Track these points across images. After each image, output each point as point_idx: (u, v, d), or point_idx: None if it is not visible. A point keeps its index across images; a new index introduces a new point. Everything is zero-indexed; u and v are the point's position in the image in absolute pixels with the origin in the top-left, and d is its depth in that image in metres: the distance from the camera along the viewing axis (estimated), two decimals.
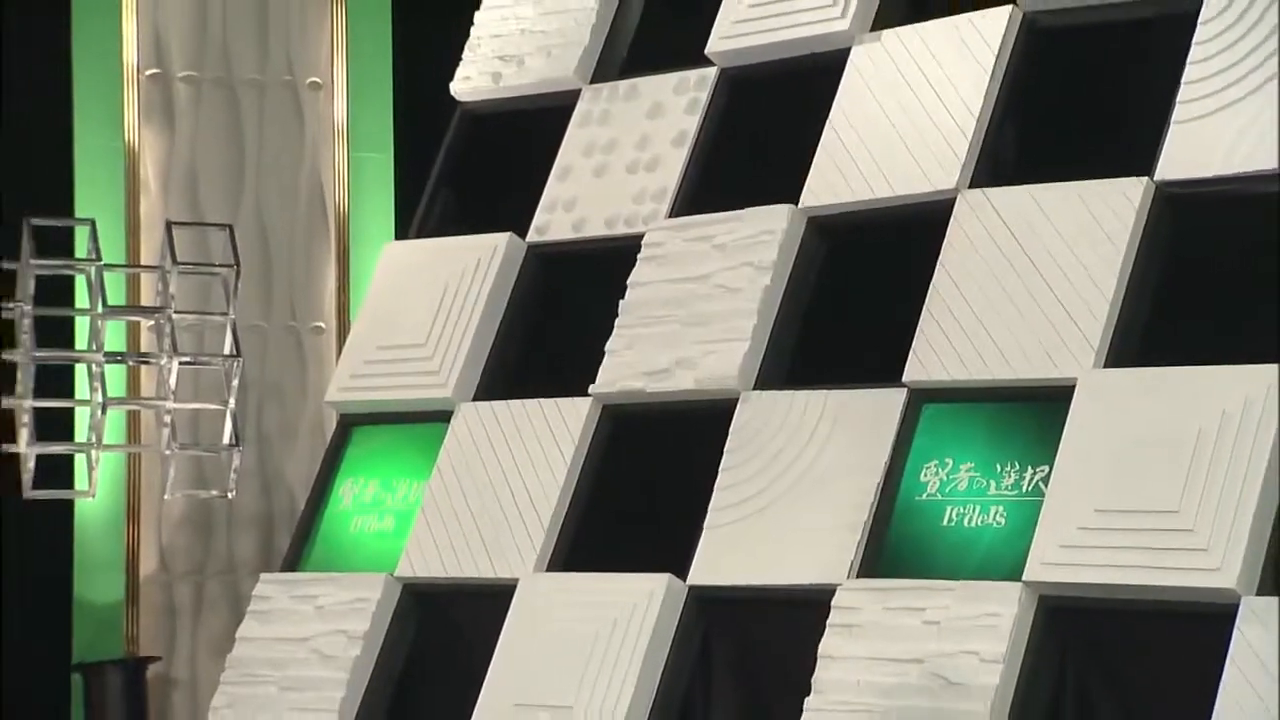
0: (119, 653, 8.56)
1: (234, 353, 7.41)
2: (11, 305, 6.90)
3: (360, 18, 8.94)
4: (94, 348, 7.22)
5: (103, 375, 7.20)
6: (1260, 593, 4.31)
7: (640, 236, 5.68)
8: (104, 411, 7.25)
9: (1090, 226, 4.86)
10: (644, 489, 5.52)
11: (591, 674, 5.18)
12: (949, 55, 5.28)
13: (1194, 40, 4.84)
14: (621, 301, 5.61)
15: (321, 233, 8.97)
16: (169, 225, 7.59)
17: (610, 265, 5.70)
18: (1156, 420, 4.57)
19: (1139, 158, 4.86)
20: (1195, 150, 4.76)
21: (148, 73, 8.68)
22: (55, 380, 7.34)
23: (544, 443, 5.62)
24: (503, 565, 5.53)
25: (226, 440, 7.42)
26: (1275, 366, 4.42)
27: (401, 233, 8.38)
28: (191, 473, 7.56)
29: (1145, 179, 4.82)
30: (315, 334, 8.97)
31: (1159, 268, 4.82)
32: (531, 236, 5.97)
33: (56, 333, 7.30)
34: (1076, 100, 5.19)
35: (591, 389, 5.58)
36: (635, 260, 5.65)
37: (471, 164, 6.38)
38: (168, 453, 7.54)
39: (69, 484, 7.44)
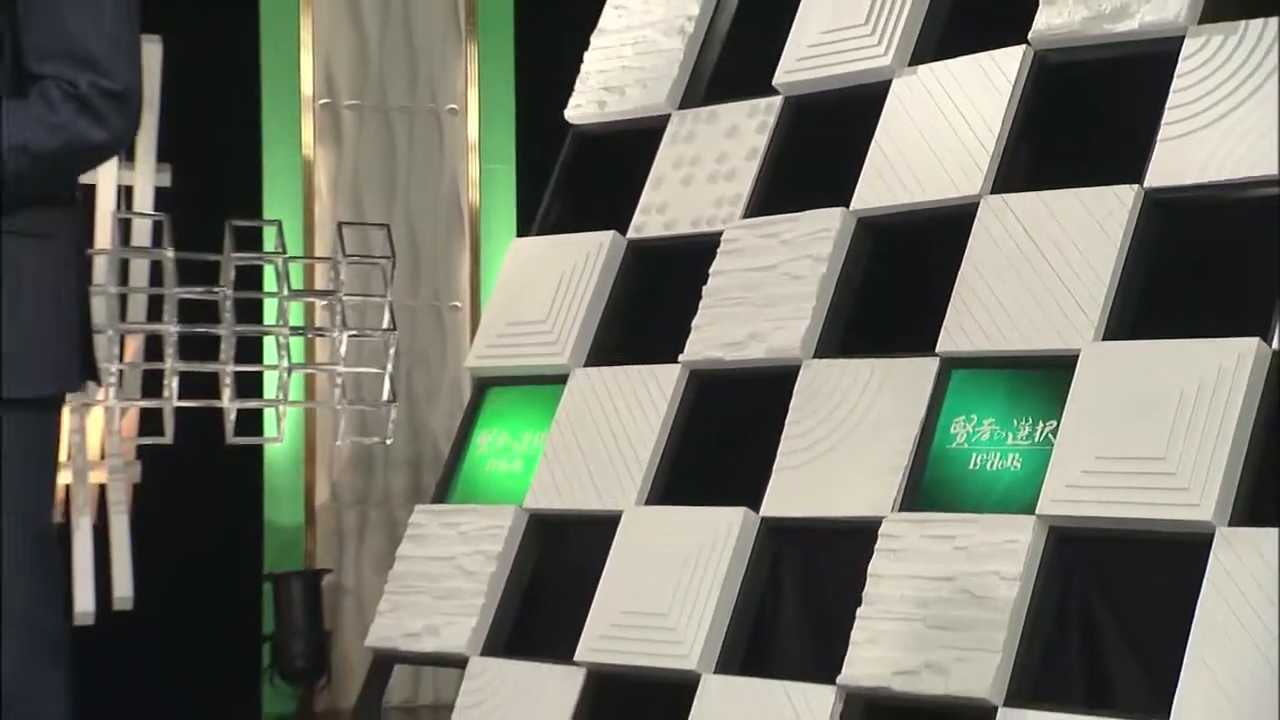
0: (299, 566, 8.56)
1: (391, 327, 7.41)
2: (216, 290, 6.89)
3: (488, 55, 8.92)
4: (281, 324, 7.27)
5: (288, 346, 7.27)
6: (1231, 524, 4.30)
7: (719, 234, 5.61)
8: (289, 374, 7.31)
9: (1090, 225, 4.79)
10: (723, 439, 5.46)
11: (682, 589, 5.13)
12: (973, 85, 5.22)
13: (1175, 74, 4.77)
14: (704, 287, 5.55)
15: (458, 230, 8.95)
16: (339, 225, 7.61)
17: (695, 257, 5.64)
18: (1146, 384, 4.53)
19: (1130, 169, 4.79)
20: (1177, 163, 4.71)
21: (320, 102, 8.68)
22: (250, 350, 7.29)
23: (641, 401, 5.56)
24: (609, 499, 5.48)
25: (385, 397, 7.42)
26: (1244, 340, 4.41)
27: (522, 230, 8.39)
28: (356, 423, 7.52)
29: (1136, 186, 4.75)
30: (453, 311, 8.94)
31: (1147, 259, 4.75)
32: (631, 234, 5.89)
33: (251, 312, 7.26)
34: (1078, 122, 5.14)
35: (680, 358, 5.51)
36: (715, 253, 5.58)
37: (581, 175, 6.32)
38: (339, 408, 7.59)
39: (261, 432, 7.40)
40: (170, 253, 6.82)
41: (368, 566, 8.76)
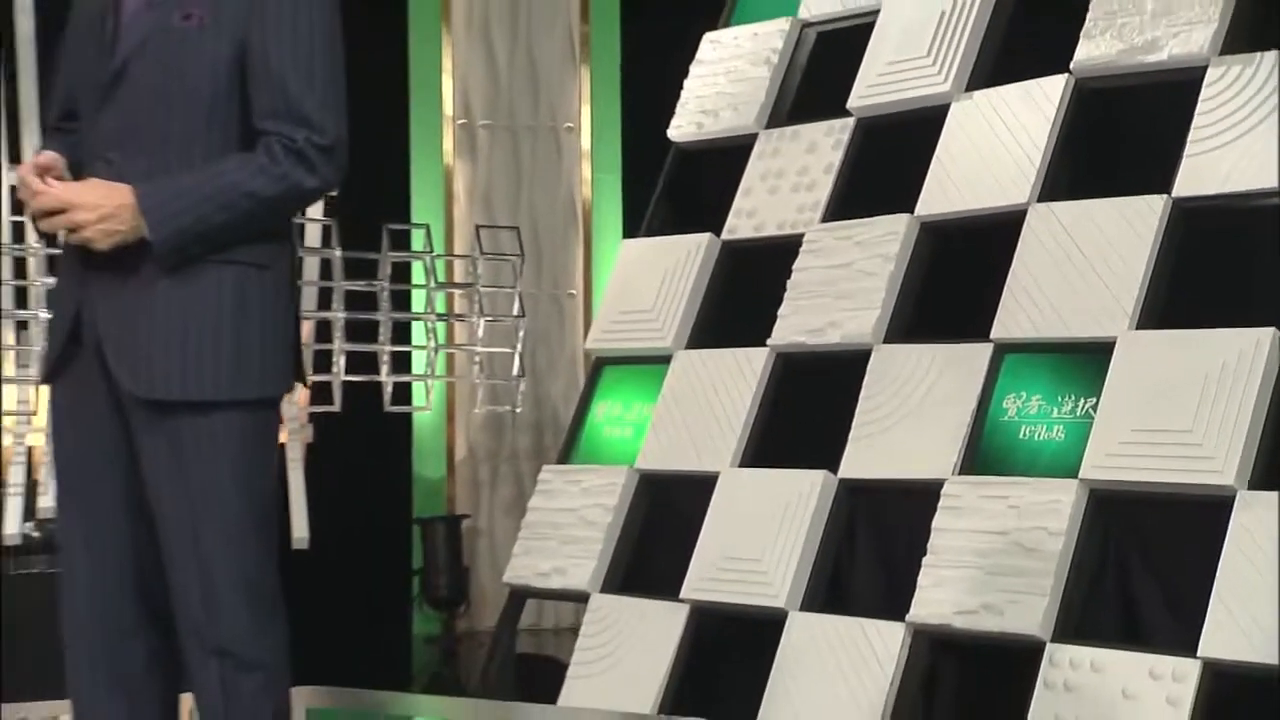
0: (442, 511, 8.56)
1: (520, 314, 7.38)
2: (375, 283, 6.91)
3: (598, 80, 8.93)
4: (429, 311, 7.26)
5: (435, 329, 7.25)
6: (1250, 488, 4.24)
7: (801, 236, 5.53)
8: (436, 353, 7.29)
9: (1124, 228, 4.71)
10: (806, 411, 5.39)
11: (772, 538, 5.08)
12: (1021, 108, 5.13)
13: (1199, 99, 4.68)
14: (788, 281, 5.47)
15: (573, 229, 8.96)
16: (477, 228, 7.61)
17: (779, 256, 5.56)
18: (1175, 367, 4.47)
19: (1159, 180, 4.70)
20: (1200, 175, 4.63)
21: (459, 122, 8.70)
22: (402, 333, 7.31)
23: (735, 378, 5.50)
24: (708, 462, 5.42)
25: (515, 373, 7.39)
26: (1261, 329, 4.35)
27: (628, 229, 8.46)
28: (490, 394, 7.50)
29: (1165, 196, 4.66)
30: (569, 298, 8.95)
31: (1175, 258, 4.67)
32: (725, 236, 5.82)
33: (401, 301, 7.27)
34: (1113, 140, 5.05)
35: (768, 342, 5.44)
36: (798, 252, 5.50)
37: (682, 185, 6.25)
38: (476, 381, 7.56)
39: (411, 402, 7.39)
40: (337, 252, 6.82)
41: (499, 512, 8.76)
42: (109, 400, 2.81)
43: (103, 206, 2.69)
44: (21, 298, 6.69)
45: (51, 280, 6.45)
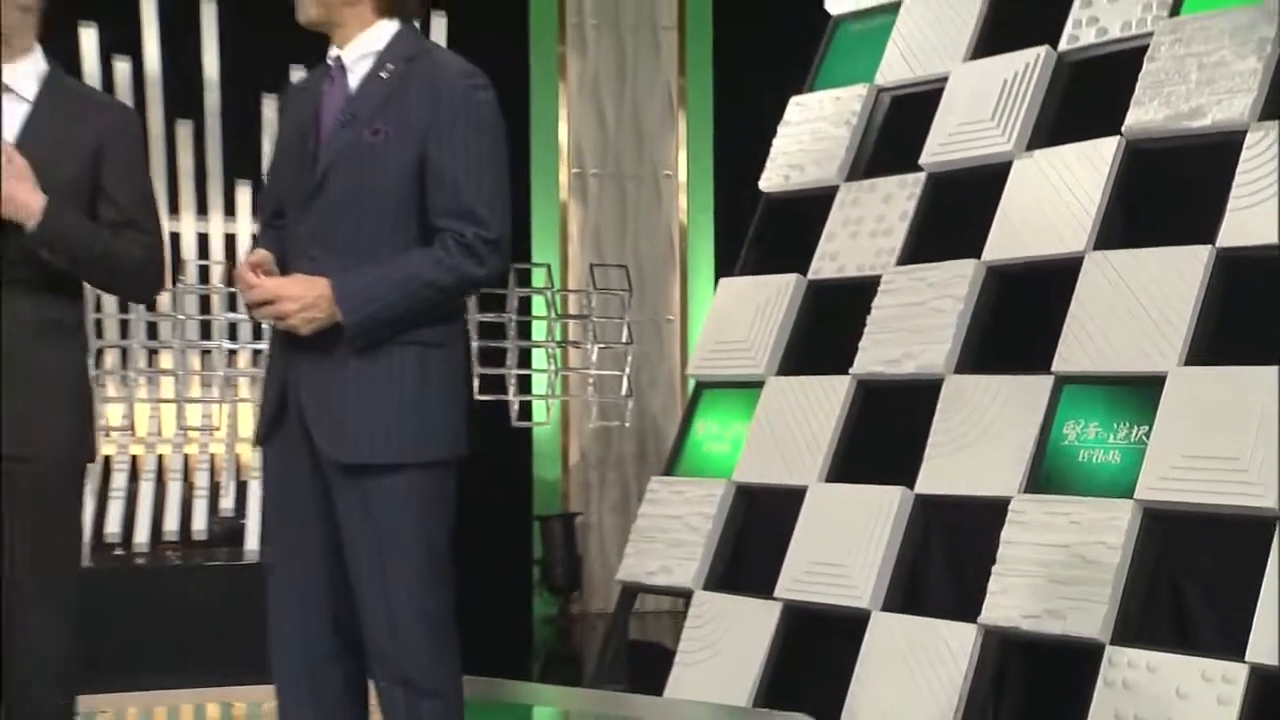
0: (559, 509, 8.52)
1: (629, 341, 7.30)
2: (502, 315, 6.87)
3: (694, 133, 8.88)
4: (549, 339, 7.21)
5: (555, 355, 7.21)
6: None
7: (879, 277, 5.44)
8: (556, 376, 7.25)
9: (1173, 275, 4.59)
10: (884, 433, 5.28)
11: (856, 546, 5.00)
12: (1078, 166, 5.01)
13: (1240, 160, 4.54)
14: (868, 317, 5.37)
15: (670, 262, 8.93)
16: (591, 266, 7.53)
17: (860, 294, 5.47)
18: (1221, 400, 4.34)
19: (1204, 232, 4.56)
20: (1242, 228, 4.49)
21: (573, 170, 8.69)
22: (525, 358, 7.26)
23: (820, 403, 5.42)
24: (797, 476, 5.34)
25: (624, 392, 7.31)
26: None
27: (720, 264, 8.47)
28: (601, 410, 7.44)
29: (1210, 246, 4.53)
30: (668, 323, 8.89)
31: (1219, 302, 4.53)
32: (810, 276, 5.73)
33: (526, 330, 7.25)
34: (1161, 195, 4.88)
35: (850, 370, 5.35)
36: (876, 291, 5.40)
37: (771, 231, 6.15)
38: (590, 399, 7.51)
39: (532, 417, 7.35)
40: None
41: (607, 510, 8.71)
42: (310, 461, 2.85)
43: (304, 298, 2.75)
44: (206, 330, 6.76)
45: (234, 315, 6.62)
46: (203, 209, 6.92)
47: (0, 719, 2.95)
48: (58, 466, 2.96)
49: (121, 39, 6.75)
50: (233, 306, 6.66)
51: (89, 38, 6.59)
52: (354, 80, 2.86)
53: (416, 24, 3.06)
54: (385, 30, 2.87)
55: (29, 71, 2.97)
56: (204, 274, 6.74)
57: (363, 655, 2.91)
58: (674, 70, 8.88)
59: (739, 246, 6.28)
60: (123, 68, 6.69)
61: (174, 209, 6.76)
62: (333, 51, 2.90)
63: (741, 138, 7.24)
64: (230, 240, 7.00)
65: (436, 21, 6.78)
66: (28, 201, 2.83)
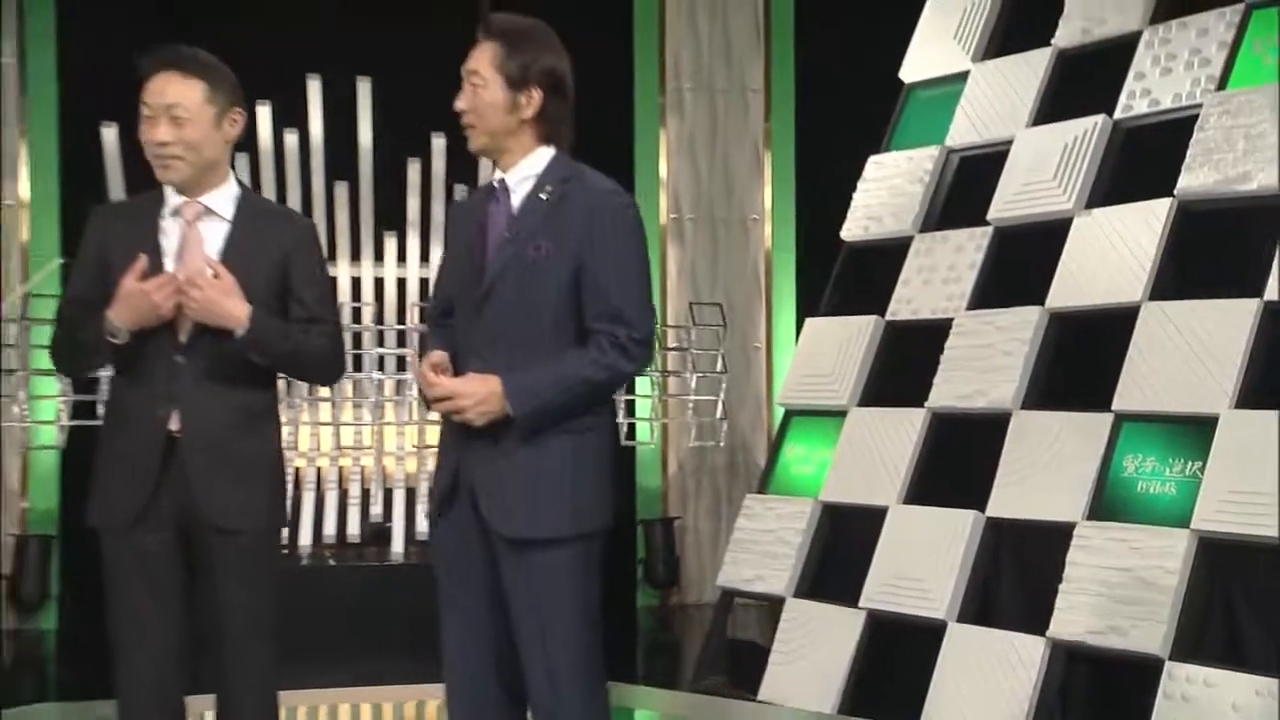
0: (659, 514, 8.41)
1: (723, 370, 7.21)
2: None
3: (778, 179, 8.70)
4: (653, 368, 7.14)
5: (658, 383, 7.14)
6: None
7: (951, 320, 5.31)
8: (661, 400, 7.18)
9: (1224, 325, 4.43)
10: (958, 461, 5.14)
11: (933, 562, 4.88)
12: (1134, 224, 4.86)
13: None
14: (942, 356, 5.24)
15: (757, 296, 8.77)
16: (690, 304, 7.44)
17: (933, 335, 5.34)
18: (1269, 441, 4.17)
19: (1253, 286, 4.41)
20: None
21: (671, 216, 8.54)
22: (630, 384, 7.18)
23: (898, 432, 5.29)
24: (879, 498, 5.21)
25: (719, 415, 7.24)
26: None
27: (801, 295, 8.34)
28: (697, 431, 7.36)
29: (1258, 299, 4.38)
30: (755, 350, 8.70)
31: (1266, 352, 4.37)
32: (888, 317, 5.62)
33: None
34: (1212, 252, 4.71)
35: (925, 404, 5.22)
36: (948, 333, 5.28)
37: (851, 276, 6.02)
38: (688, 421, 7.44)
39: (636, 437, 7.28)
40: None
41: (701, 514, 8.57)
42: (479, 534, 2.86)
43: (478, 394, 2.76)
44: (357, 362, 6.78)
45: (382, 350, 6.64)
46: (355, 256, 6.95)
47: None
48: (260, 537, 2.99)
49: (290, 114, 6.81)
50: (381, 342, 6.67)
51: (264, 114, 6.65)
52: (516, 200, 2.87)
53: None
54: (543, 156, 2.88)
55: (227, 195, 2.99)
56: (356, 314, 6.76)
57: (524, 704, 2.91)
58: (760, 127, 8.75)
59: (817, 279, 6.20)
60: (291, 139, 6.75)
61: (331, 256, 6.79)
62: (497, 174, 2.91)
63: (818, 186, 7.16)
64: (379, 284, 7.02)
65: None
66: (236, 312, 2.86)
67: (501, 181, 2.89)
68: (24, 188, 7.13)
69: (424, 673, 4.67)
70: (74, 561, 6.84)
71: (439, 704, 5.07)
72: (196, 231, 2.92)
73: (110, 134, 6.47)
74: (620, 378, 2.84)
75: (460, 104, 2.85)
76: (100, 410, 5.68)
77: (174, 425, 2.85)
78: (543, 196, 2.84)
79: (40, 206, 7.10)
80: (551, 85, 2.86)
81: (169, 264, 2.88)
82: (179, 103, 2.85)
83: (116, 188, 6.50)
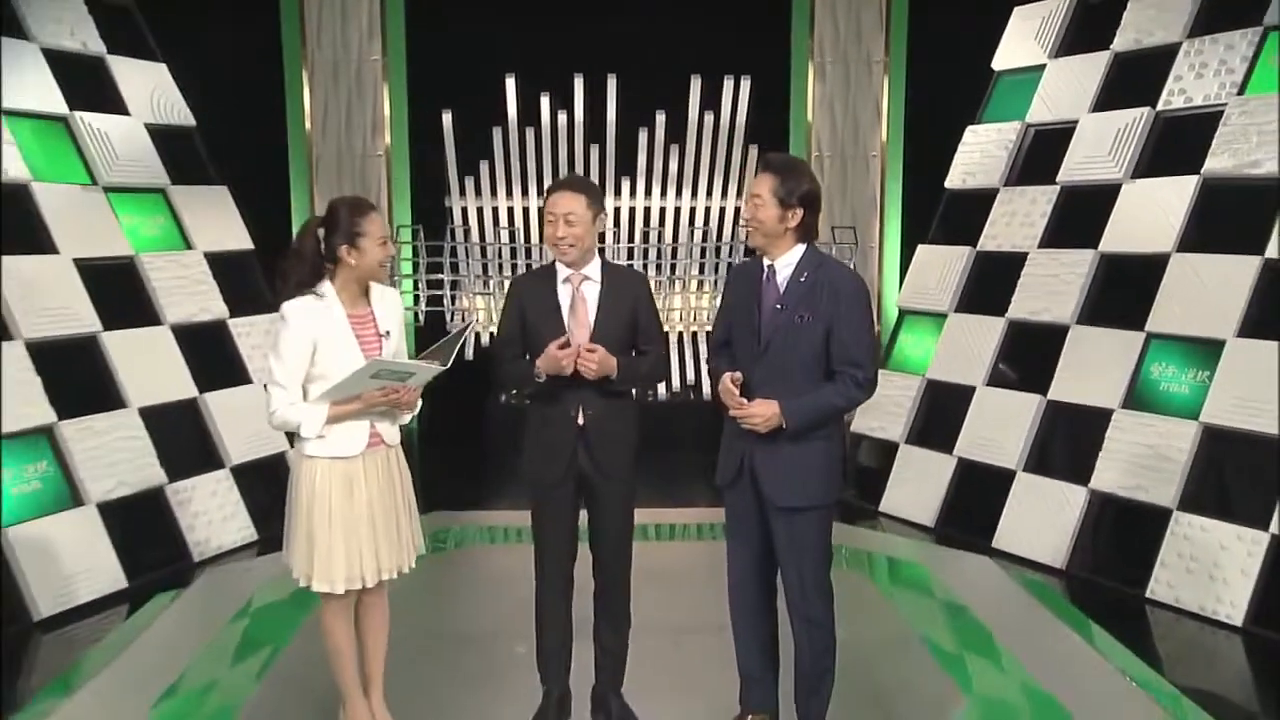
0: None
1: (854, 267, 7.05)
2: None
3: (891, 128, 8.06)
4: None
5: None
6: None
7: (1026, 254, 5.22)
8: None
9: (1234, 274, 4.33)
10: (1028, 358, 5.08)
11: (1008, 428, 4.84)
12: (1168, 193, 4.71)
13: None
14: (1018, 280, 5.13)
15: (874, 213, 8.14)
16: (833, 228, 7.27)
17: (1013, 264, 5.27)
18: (1262, 363, 4.11)
19: (1258, 243, 4.29)
20: None
21: (814, 154, 8.19)
22: None
23: (984, 334, 5.25)
24: (970, 379, 5.18)
25: None
26: None
27: (906, 218, 7.81)
28: None
29: (1260, 257, 4.27)
30: (870, 250, 8.15)
31: (1264, 296, 4.25)
32: (979, 248, 5.53)
33: None
34: (1227, 217, 4.53)
35: (1005, 315, 5.15)
36: (1024, 264, 5.21)
37: (951, 215, 5.86)
38: None
39: None
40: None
41: None
42: (756, 503, 2.89)
43: (766, 414, 2.79)
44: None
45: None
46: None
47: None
48: (625, 484, 3.01)
49: (556, 94, 6.83)
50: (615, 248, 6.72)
51: (545, 102, 6.67)
52: (781, 280, 2.86)
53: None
54: (799, 250, 2.86)
55: (595, 265, 3.01)
56: (600, 236, 6.83)
57: (774, 604, 2.98)
58: (882, 90, 8.49)
59: (916, 202, 6.11)
60: (562, 117, 6.81)
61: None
62: (766, 261, 2.88)
63: (920, 134, 6.77)
64: (616, 212, 7.13)
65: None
66: (610, 366, 2.92)
67: (770, 267, 2.88)
68: (385, 142, 7.44)
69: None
70: None
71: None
72: (582, 293, 2.97)
73: (447, 118, 6.69)
74: (856, 403, 2.81)
75: (745, 214, 2.88)
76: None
77: (580, 421, 2.96)
78: (801, 279, 2.83)
79: (397, 157, 7.41)
80: (808, 204, 2.83)
81: (564, 314, 2.95)
82: (571, 211, 2.90)
83: (451, 155, 6.74)
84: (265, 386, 2.84)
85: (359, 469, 2.79)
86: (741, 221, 2.92)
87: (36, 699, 3.37)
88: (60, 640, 3.91)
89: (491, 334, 6.78)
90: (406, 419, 2.91)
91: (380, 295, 2.86)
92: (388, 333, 2.84)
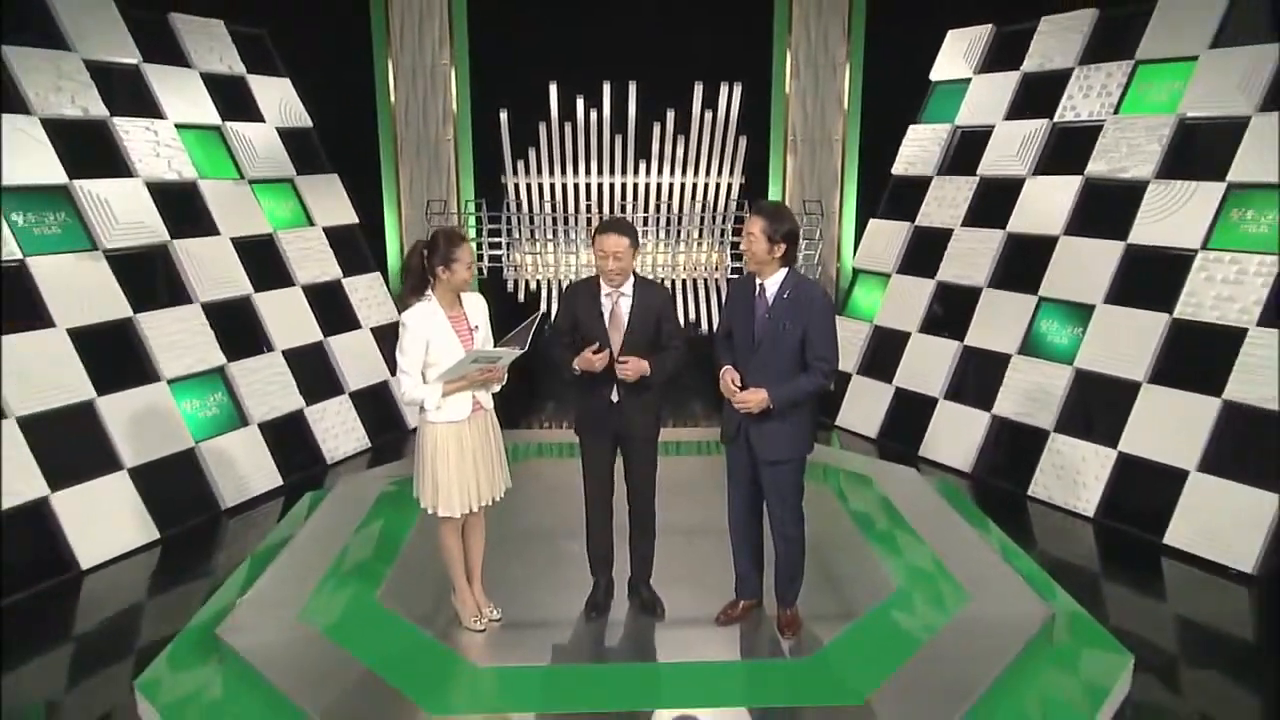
0: None
1: (820, 238, 6.63)
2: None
3: (850, 119, 7.56)
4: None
5: None
6: (1149, 381, 4.05)
7: (952, 230, 5.20)
8: None
9: (1103, 254, 4.43)
10: (951, 312, 5.15)
11: (931, 370, 4.91)
12: (1060, 188, 4.76)
13: (1144, 198, 4.32)
14: (945, 250, 5.18)
15: (835, 187, 7.54)
16: (804, 202, 7.21)
17: (942, 238, 5.21)
18: (1122, 321, 4.26)
19: (1122, 232, 4.38)
20: (1145, 232, 4.30)
21: (789, 138, 7.71)
22: None
23: (917, 292, 5.27)
24: (907, 326, 5.24)
25: (816, 273, 6.58)
26: (1157, 314, 4.08)
27: (861, 195, 7.17)
28: (805, 272, 6.90)
29: (1123, 242, 4.38)
30: (829, 214, 8.21)
31: (1126, 271, 4.35)
32: (916, 223, 5.49)
33: None
34: (1102, 210, 4.60)
35: (935, 277, 5.19)
36: (950, 238, 5.18)
37: (896, 196, 5.80)
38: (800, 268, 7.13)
39: None
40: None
41: None
42: (749, 456, 3.02)
43: (758, 399, 2.90)
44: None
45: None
46: (624, 171, 6.97)
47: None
48: (649, 443, 3.06)
49: (588, 95, 6.77)
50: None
51: (580, 102, 6.59)
52: (769, 295, 2.94)
53: None
54: (783, 273, 2.94)
55: (629, 284, 3.05)
56: (622, 208, 6.84)
57: (761, 524, 3.11)
58: (844, 87, 8.42)
59: (871, 179, 5.96)
60: (594, 114, 6.76)
61: (613, 170, 6.86)
62: (757, 280, 2.94)
63: (873, 126, 6.58)
64: (636, 186, 7.22)
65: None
66: (643, 368, 3.00)
67: (761, 285, 2.96)
68: (454, 131, 7.49)
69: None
70: None
71: None
72: (619, 305, 3.04)
73: (504, 115, 6.68)
74: (824, 388, 2.90)
75: (742, 246, 2.97)
76: None
77: (614, 399, 3.05)
78: (784, 296, 2.92)
79: (463, 144, 7.46)
80: (790, 240, 2.92)
81: (606, 318, 3.02)
82: (619, 250, 2.97)
83: (506, 142, 6.71)
84: (394, 373, 3.00)
85: (466, 429, 2.96)
86: (743, 247, 3.06)
87: (234, 574, 3.57)
88: (243, 522, 4.26)
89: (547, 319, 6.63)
90: (497, 389, 3.05)
91: (469, 299, 3.00)
92: (477, 326, 2.98)
